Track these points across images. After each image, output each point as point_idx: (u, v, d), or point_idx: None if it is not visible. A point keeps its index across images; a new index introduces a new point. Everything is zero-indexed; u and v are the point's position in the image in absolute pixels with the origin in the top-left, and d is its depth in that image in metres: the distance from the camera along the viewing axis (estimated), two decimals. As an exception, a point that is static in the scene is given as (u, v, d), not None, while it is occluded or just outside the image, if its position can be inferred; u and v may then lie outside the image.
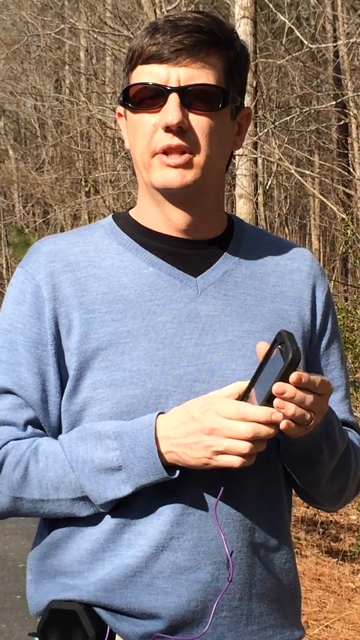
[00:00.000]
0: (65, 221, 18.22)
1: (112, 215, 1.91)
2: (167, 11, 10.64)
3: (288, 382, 1.55)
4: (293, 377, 1.55)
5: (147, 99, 1.75)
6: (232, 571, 1.68)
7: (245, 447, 1.58)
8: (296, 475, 1.82)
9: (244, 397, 1.63)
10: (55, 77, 19.82)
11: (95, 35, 13.51)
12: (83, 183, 16.60)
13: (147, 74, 1.74)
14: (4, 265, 20.34)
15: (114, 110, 11.44)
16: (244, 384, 1.63)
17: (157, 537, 1.69)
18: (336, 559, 6.61)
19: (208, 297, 1.79)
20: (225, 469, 1.63)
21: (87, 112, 13.66)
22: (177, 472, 1.65)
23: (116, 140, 13.62)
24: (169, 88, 1.72)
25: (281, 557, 1.80)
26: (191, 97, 1.72)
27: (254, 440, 1.58)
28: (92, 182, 15.57)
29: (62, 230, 18.09)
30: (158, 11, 10.26)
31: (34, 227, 18.26)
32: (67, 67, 17.47)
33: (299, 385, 1.56)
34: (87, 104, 13.53)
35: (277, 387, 1.55)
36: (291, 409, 1.57)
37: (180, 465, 1.65)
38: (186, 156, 1.73)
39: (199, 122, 1.73)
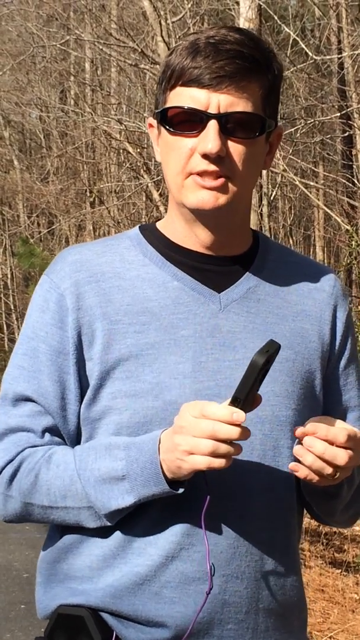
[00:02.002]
0: (70, 232, 18.27)
1: (139, 227, 1.91)
2: (173, 23, 10.69)
3: (255, 382, 1.56)
4: (310, 428, 1.61)
5: (186, 122, 1.73)
6: (210, 583, 1.69)
7: (208, 445, 1.56)
8: (314, 505, 1.84)
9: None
10: (61, 88, 19.86)
11: (100, 47, 13.54)
12: (88, 194, 16.65)
13: (187, 97, 1.72)
14: (9, 276, 20.38)
15: (119, 121, 11.50)
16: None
17: (167, 546, 1.70)
18: (340, 570, 6.61)
19: (230, 314, 1.80)
20: (216, 478, 1.64)
21: (92, 123, 13.68)
22: (182, 489, 1.66)
23: (121, 151, 13.66)
24: (209, 114, 1.70)
25: (290, 573, 1.80)
26: (230, 124, 1.71)
27: (218, 439, 1.56)
28: (96, 192, 15.60)
29: (66, 240, 18.15)
30: (163, 23, 10.30)
31: (38, 238, 18.31)
32: (72, 78, 17.51)
33: (318, 437, 1.61)
34: (92, 115, 13.55)
35: (306, 440, 1.62)
36: (309, 459, 1.61)
37: (176, 477, 1.65)
38: (221, 180, 1.72)
39: (237, 149, 1.73)
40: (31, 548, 7.14)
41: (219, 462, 1.58)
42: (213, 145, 1.69)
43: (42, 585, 1.82)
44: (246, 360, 1.74)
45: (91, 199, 16.50)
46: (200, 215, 1.77)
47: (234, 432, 1.56)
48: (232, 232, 1.83)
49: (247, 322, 1.81)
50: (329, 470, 1.62)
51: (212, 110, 1.71)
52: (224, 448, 1.57)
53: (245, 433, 1.57)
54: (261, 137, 1.76)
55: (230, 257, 1.84)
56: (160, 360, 1.74)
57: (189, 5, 10.90)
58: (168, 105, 1.76)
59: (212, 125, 1.70)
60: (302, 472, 1.64)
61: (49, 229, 18.67)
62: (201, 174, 1.72)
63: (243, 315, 1.81)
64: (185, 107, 1.73)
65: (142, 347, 1.75)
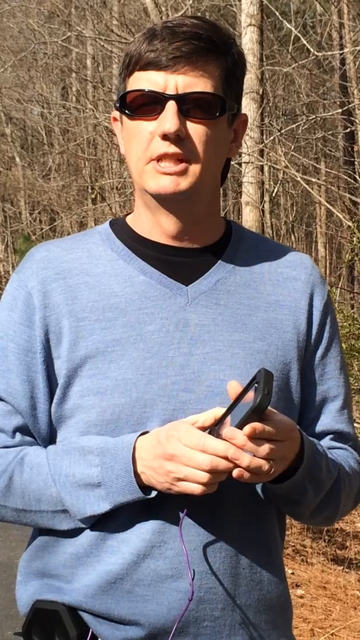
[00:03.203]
0: (72, 228, 18.26)
1: (110, 221, 1.90)
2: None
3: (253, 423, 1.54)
4: (247, 430, 1.54)
5: (144, 105, 1.73)
6: (192, 590, 1.68)
7: (204, 477, 1.57)
8: (280, 508, 1.82)
9: (218, 423, 1.62)
10: (62, 84, 19.88)
11: (101, 43, 13.53)
12: (90, 190, 16.65)
13: (145, 80, 1.72)
14: (11, 272, 20.38)
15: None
16: (222, 410, 1.63)
17: (139, 544, 1.69)
18: (342, 567, 6.60)
19: (198, 306, 1.78)
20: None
21: (93, 119, 13.68)
22: (154, 492, 1.66)
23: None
24: (166, 95, 1.70)
25: (269, 568, 1.79)
26: (189, 105, 1.71)
27: (216, 472, 1.57)
28: (98, 189, 15.60)
29: (68, 237, 18.14)
30: (165, 19, 10.28)
31: (40, 235, 18.30)
32: (73, 74, 17.52)
33: (253, 436, 1.55)
34: (93, 111, 13.55)
35: (227, 432, 1.56)
36: (246, 460, 1.56)
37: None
38: (182, 165, 1.71)
39: (196, 131, 1.72)
40: (33, 545, 7.13)
41: (212, 488, 1.61)
42: (171, 124, 1.68)
43: (22, 584, 1.83)
44: (215, 353, 1.74)
45: (93, 196, 16.49)
46: (162, 201, 1.76)
47: (232, 466, 1.57)
48: (197, 220, 1.80)
49: (216, 315, 1.79)
50: (266, 466, 1.58)
51: (170, 91, 1.70)
52: (219, 477, 1.59)
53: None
54: (222, 118, 1.75)
55: (199, 248, 1.82)
56: (127, 357, 1.73)
57: (190, 2, 10.88)
58: (127, 90, 1.76)
59: (170, 106, 1.69)
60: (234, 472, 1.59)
61: (51, 226, 18.67)
62: (162, 157, 1.71)
63: (212, 307, 1.79)
64: (146, 90, 1.72)
65: (108, 344, 1.74)
